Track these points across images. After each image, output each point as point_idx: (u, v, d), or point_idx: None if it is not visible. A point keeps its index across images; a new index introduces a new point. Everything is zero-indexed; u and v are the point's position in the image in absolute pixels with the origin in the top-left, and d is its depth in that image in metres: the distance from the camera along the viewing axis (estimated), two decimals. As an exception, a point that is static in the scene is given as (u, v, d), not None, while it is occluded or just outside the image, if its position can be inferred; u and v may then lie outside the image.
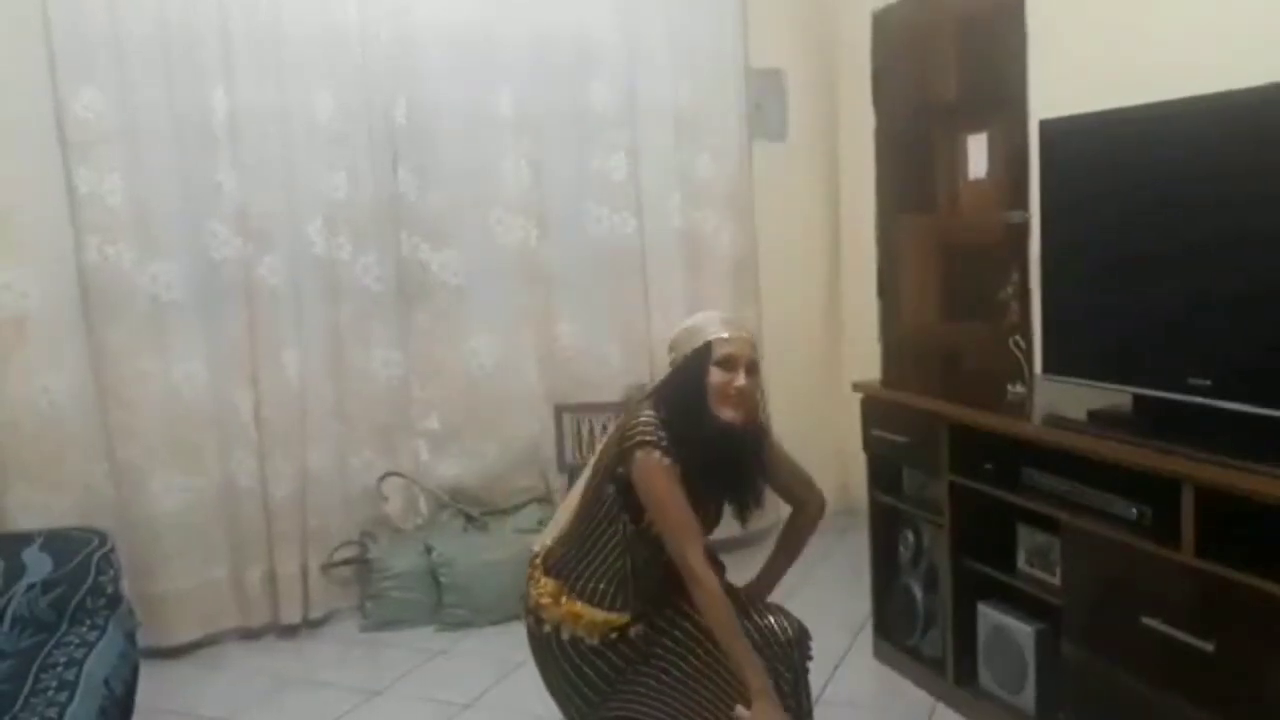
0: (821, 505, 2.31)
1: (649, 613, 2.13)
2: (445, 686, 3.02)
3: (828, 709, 2.79)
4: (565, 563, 2.14)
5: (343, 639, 3.42)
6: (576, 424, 3.77)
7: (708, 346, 2.04)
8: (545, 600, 2.15)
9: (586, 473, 2.16)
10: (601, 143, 3.76)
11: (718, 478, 2.10)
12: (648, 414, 2.03)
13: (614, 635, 2.11)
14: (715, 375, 2.03)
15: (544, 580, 2.17)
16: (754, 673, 1.97)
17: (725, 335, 2.05)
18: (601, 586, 2.09)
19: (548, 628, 2.15)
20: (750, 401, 2.06)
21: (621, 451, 2.02)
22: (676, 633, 2.13)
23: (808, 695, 2.22)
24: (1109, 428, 2.24)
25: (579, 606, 2.10)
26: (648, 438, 1.99)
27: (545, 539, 2.24)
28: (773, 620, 2.14)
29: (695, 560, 1.98)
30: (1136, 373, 2.30)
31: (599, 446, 2.17)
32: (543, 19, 3.64)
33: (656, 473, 1.99)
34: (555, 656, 2.16)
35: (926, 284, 3.75)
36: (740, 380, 2.03)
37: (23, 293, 3.07)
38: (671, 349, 2.13)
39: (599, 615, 2.09)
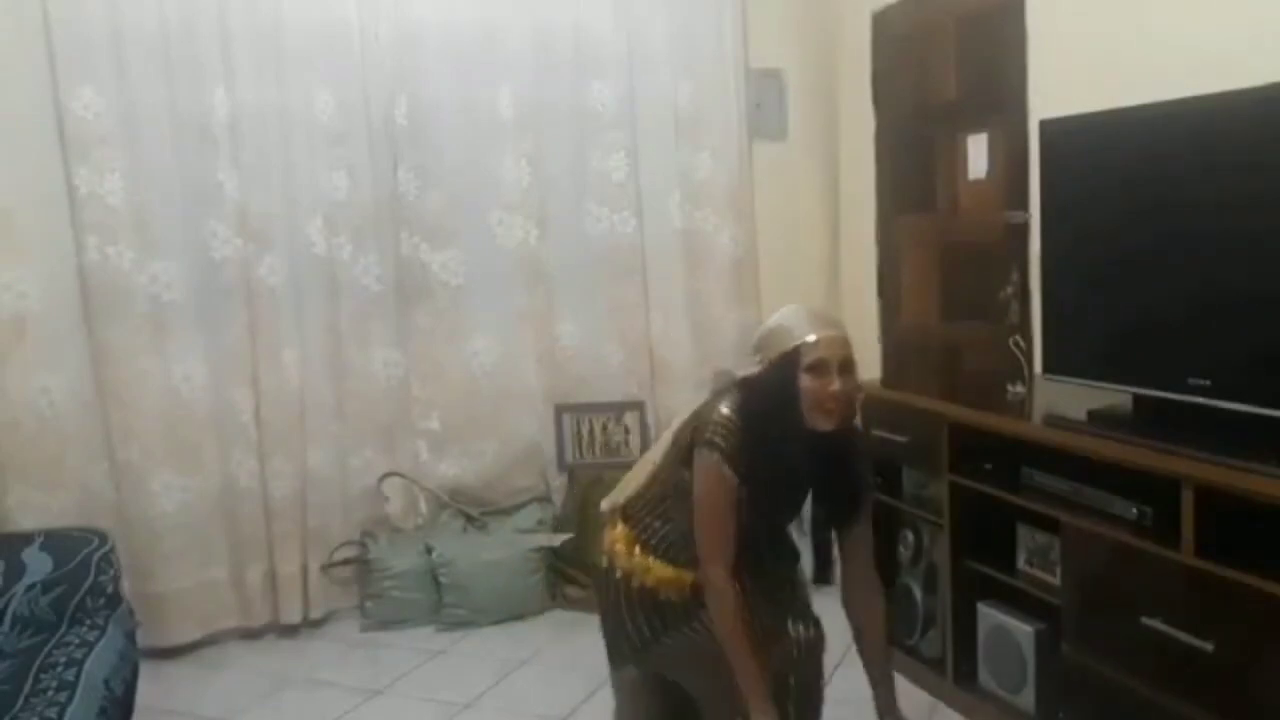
0: (878, 612, 2.13)
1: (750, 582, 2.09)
2: (445, 686, 3.02)
3: (827, 708, 2.79)
4: (640, 520, 2.13)
5: (343, 639, 3.42)
6: (576, 424, 3.77)
7: (796, 351, 1.92)
8: (620, 547, 2.14)
9: (666, 440, 2.12)
10: (601, 143, 3.76)
11: (801, 487, 2.06)
12: (726, 413, 1.96)
13: (679, 592, 2.08)
14: (807, 382, 1.91)
15: (620, 528, 2.16)
16: (754, 691, 1.94)
17: (813, 339, 1.92)
18: (671, 545, 2.07)
19: (619, 574, 2.13)
20: (848, 406, 1.95)
21: (693, 442, 1.99)
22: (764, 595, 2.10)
23: (812, 706, 2.19)
24: (1109, 427, 2.24)
25: (650, 561, 2.09)
26: (717, 440, 1.94)
27: (619, 496, 2.20)
28: (796, 630, 2.11)
29: (715, 574, 1.96)
30: (1136, 373, 2.29)
31: (676, 422, 2.12)
32: (543, 19, 3.64)
33: (713, 480, 1.95)
34: (620, 601, 2.14)
35: (926, 284, 3.75)
36: (835, 385, 1.91)
37: (23, 293, 3.07)
38: (757, 349, 2.02)
39: (669, 571, 2.07)
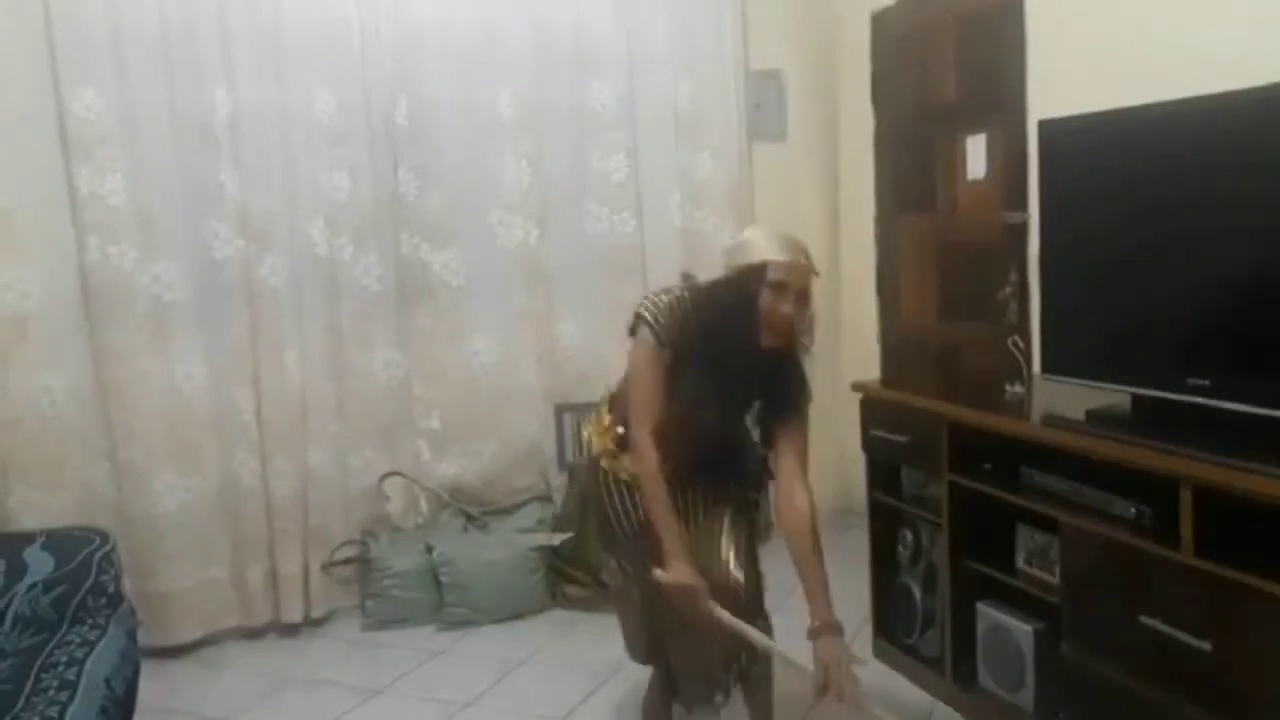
0: (794, 511, 2.19)
1: (689, 472, 2.24)
2: (446, 686, 3.02)
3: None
4: (617, 409, 2.30)
5: (344, 638, 3.42)
6: (576, 423, 3.76)
7: (764, 266, 2.07)
8: (597, 438, 2.32)
9: None
10: (601, 143, 3.76)
11: (731, 386, 2.16)
12: (663, 295, 2.17)
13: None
14: (765, 297, 2.06)
15: (606, 416, 2.33)
16: (670, 539, 2.12)
17: (782, 260, 2.08)
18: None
19: (603, 465, 2.30)
20: (791, 330, 2.10)
21: (634, 316, 2.17)
22: (706, 497, 2.29)
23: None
24: (1108, 427, 2.24)
25: (622, 454, 2.24)
26: (645, 315, 2.14)
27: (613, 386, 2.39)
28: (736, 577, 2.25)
29: (640, 437, 2.14)
30: (1135, 372, 2.30)
31: None
32: (543, 19, 3.64)
33: (639, 349, 2.15)
34: (609, 488, 2.31)
35: (926, 284, 3.76)
36: (787, 308, 2.07)
37: (24, 293, 3.08)
38: (726, 254, 2.18)
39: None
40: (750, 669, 2.35)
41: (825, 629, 2.08)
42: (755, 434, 2.32)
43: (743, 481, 2.39)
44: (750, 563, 2.32)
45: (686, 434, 2.16)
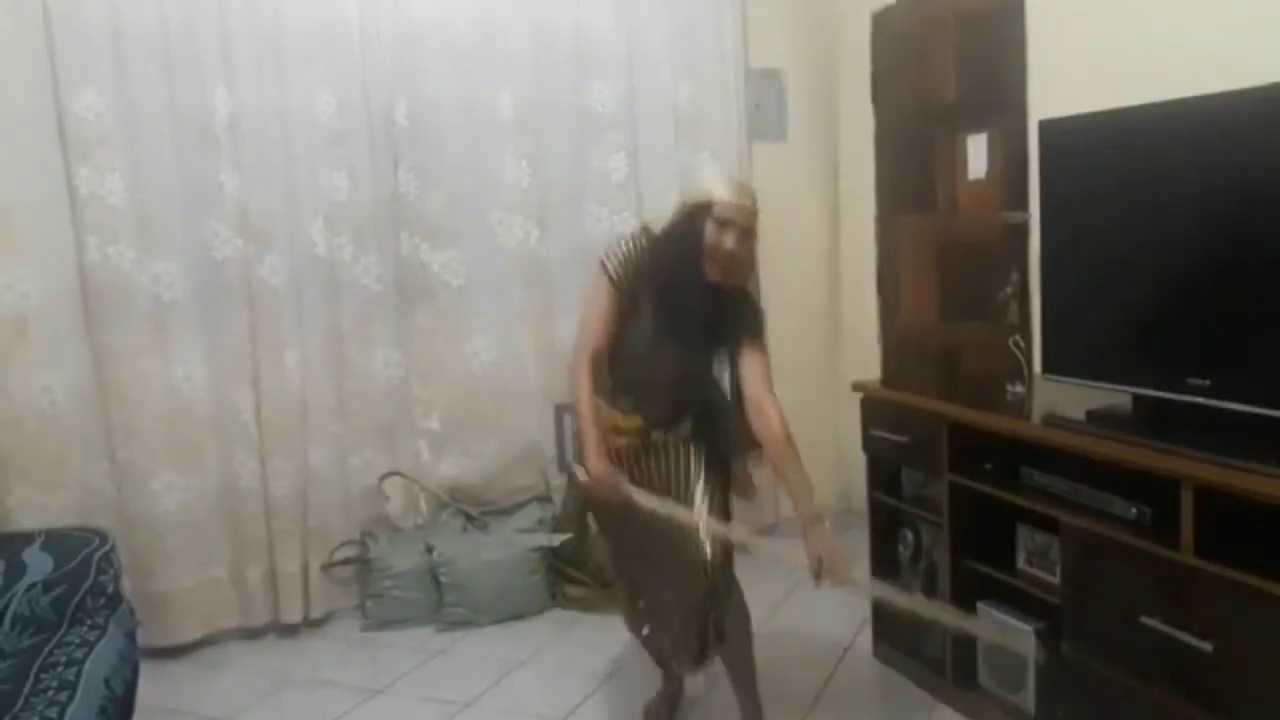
0: (765, 424, 2.26)
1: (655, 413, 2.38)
2: (445, 686, 3.02)
3: (828, 708, 2.80)
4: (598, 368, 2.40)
5: (343, 638, 3.42)
6: (576, 423, 3.77)
7: (710, 204, 2.20)
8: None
9: None
10: (601, 143, 3.76)
11: (686, 322, 2.27)
12: (624, 243, 2.31)
13: (631, 438, 2.36)
14: (709, 233, 2.19)
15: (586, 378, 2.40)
16: (589, 440, 2.28)
17: (726, 198, 2.22)
18: (609, 386, 2.36)
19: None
20: (734, 265, 2.22)
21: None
22: (676, 448, 2.41)
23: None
24: (1108, 427, 2.24)
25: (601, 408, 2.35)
26: (604, 261, 2.30)
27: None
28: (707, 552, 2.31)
29: (578, 360, 2.31)
30: (1136, 373, 2.30)
31: None
32: (543, 19, 3.64)
33: (595, 289, 2.31)
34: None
35: (926, 284, 3.76)
36: (730, 244, 2.19)
37: (23, 293, 3.07)
38: (680, 193, 2.35)
39: (617, 418, 2.36)
40: (722, 623, 2.39)
41: (811, 520, 2.18)
42: (726, 379, 2.45)
43: (712, 428, 2.45)
44: (722, 521, 2.40)
45: (648, 371, 2.33)
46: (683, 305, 2.24)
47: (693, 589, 2.34)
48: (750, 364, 2.30)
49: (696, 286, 2.22)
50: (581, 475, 2.30)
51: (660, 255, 2.27)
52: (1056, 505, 2.30)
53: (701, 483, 2.40)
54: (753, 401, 2.29)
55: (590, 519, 2.66)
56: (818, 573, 2.14)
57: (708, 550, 2.31)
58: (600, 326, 2.30)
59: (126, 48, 3.08)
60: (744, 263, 2.26)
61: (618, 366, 2.38)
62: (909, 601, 2.43)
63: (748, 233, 2.23)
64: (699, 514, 2.34)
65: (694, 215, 2.22)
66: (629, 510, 2.33)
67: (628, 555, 2.56)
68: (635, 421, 2.38)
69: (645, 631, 2.59)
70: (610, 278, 2.28)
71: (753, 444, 2.39)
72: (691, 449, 2.42)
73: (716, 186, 2.25)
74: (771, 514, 4.14)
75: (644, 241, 2.31)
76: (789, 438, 2.26)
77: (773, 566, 2.49)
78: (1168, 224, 2.22)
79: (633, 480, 2.36)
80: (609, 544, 2.62)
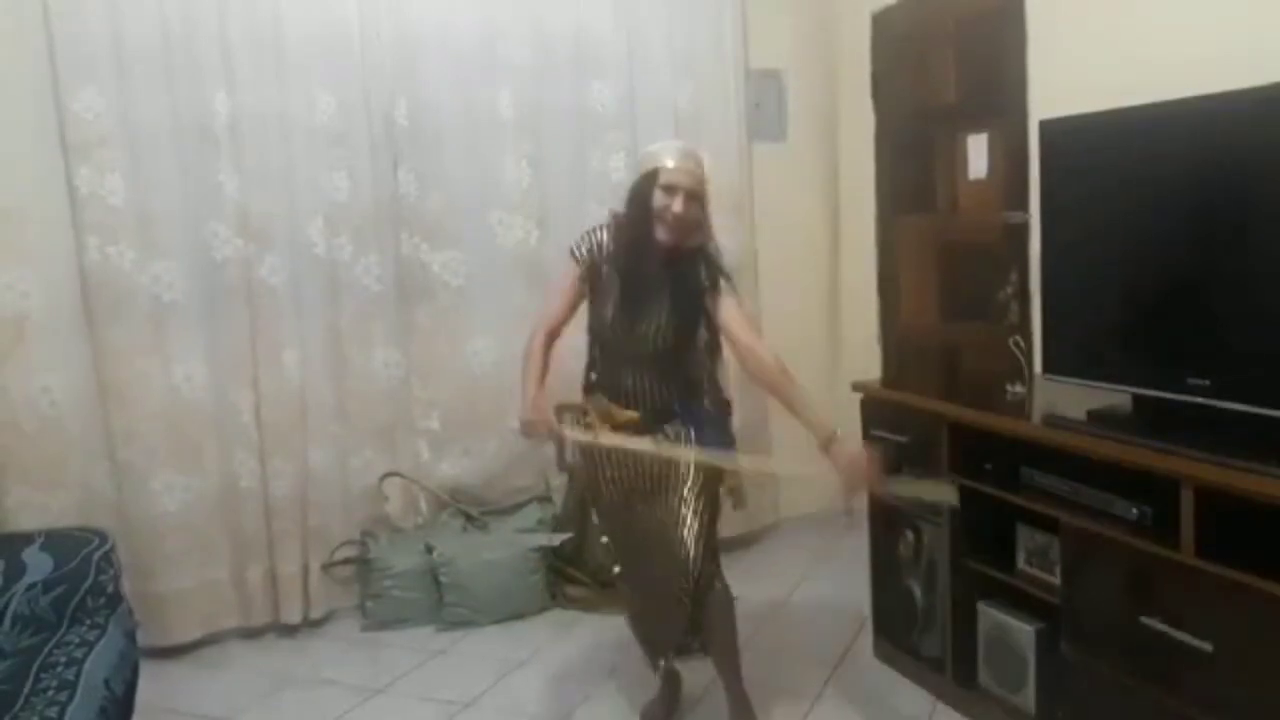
0: (760, 367, 2.35)
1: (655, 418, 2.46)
2: (445, 686, 3.02)
3: (828, 707, 2.80)
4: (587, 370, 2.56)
5: (343, 638, 3.42)
6: (576, 423, 3.76)
7: (655, 173, 2.32)
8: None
9: None
10: (602, 143, 3.76)
11: (649, 286, 2.36)
12: (594, 230, 2.44)
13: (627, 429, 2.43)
14: (657, 198, 2.30)
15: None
16: (525, 390, 2.47)
17: (671, 165, 2.32)
18: (595, 378, 2.51)
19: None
20: (683, 226, 2.31)
21: None
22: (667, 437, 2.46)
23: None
24: (1108, 427, 2.24)
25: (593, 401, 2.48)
26: (573, 245, 2.45)
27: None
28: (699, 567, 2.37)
29: (534, 330, 2.50)
30: (1136, 373, 2.30)
31: None
32: (543, 19, 3.64)
33: (562, 271, 2.48)
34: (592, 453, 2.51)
35: (926, 284, 3.76)
36: (677, 207, 2.28)
37: (23, 293, 3.07)
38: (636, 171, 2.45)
39: (611, 409, 2.46)
40: (700, 615, 2.42)
41: (830, 439, 2.22)
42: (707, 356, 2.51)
43: (699, 419, 2.48)
44: (706, 524, 2.43)
45: (626, 348, 2.41)
46: (644, 273, 2.34)
47: (675, 578, 2.38)
48: (727, 314, 2.37)
49: (653, 252, 2.33)
50: (517, 422, 2.40)
51: (620, 230, 2.39)
52: (1056, 505, 2.30)
53: (692, 479, 2.42)
54: (741, 346, 2.36)
55: (591, 510, 2.71)
56: (850, 486, 2.29)
57: (690, 542, 2.37)
58: (560, 303, 2.46)
59: (127, 48, 3.08)
60: (693, 223, 2.33)
61: (600, 353, 2.50)
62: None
63: (694, 195, 2.31)
64: (684, 453, 2.41)
65: (643, 186, 2.33)
66: (619, 494, 2.48)
67: (619, 542, 2.60)
68: (633, 415, 2.44)
69: (632, 617, 2.63)
70: (575, 258, 2.43)
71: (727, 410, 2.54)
72: (683, 443, 2.45)
73: (661, 155, 2.36)
74: (771, 514, 4.15)
75: (609, 222, 2.43)
76: (784, 369, 2.33)
77: (799, 483, 2.53)
78: (1167, 224, 2.22)
79: (625, 474, 2.47)
80: (607, 530, 2.65)
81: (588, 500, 2.70)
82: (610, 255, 2.40)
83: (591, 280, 2.42)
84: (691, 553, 2.36)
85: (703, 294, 2.37)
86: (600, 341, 2.49)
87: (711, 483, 2.46)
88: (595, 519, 2.66)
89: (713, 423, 2.50)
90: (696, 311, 2.40)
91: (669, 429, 2.46)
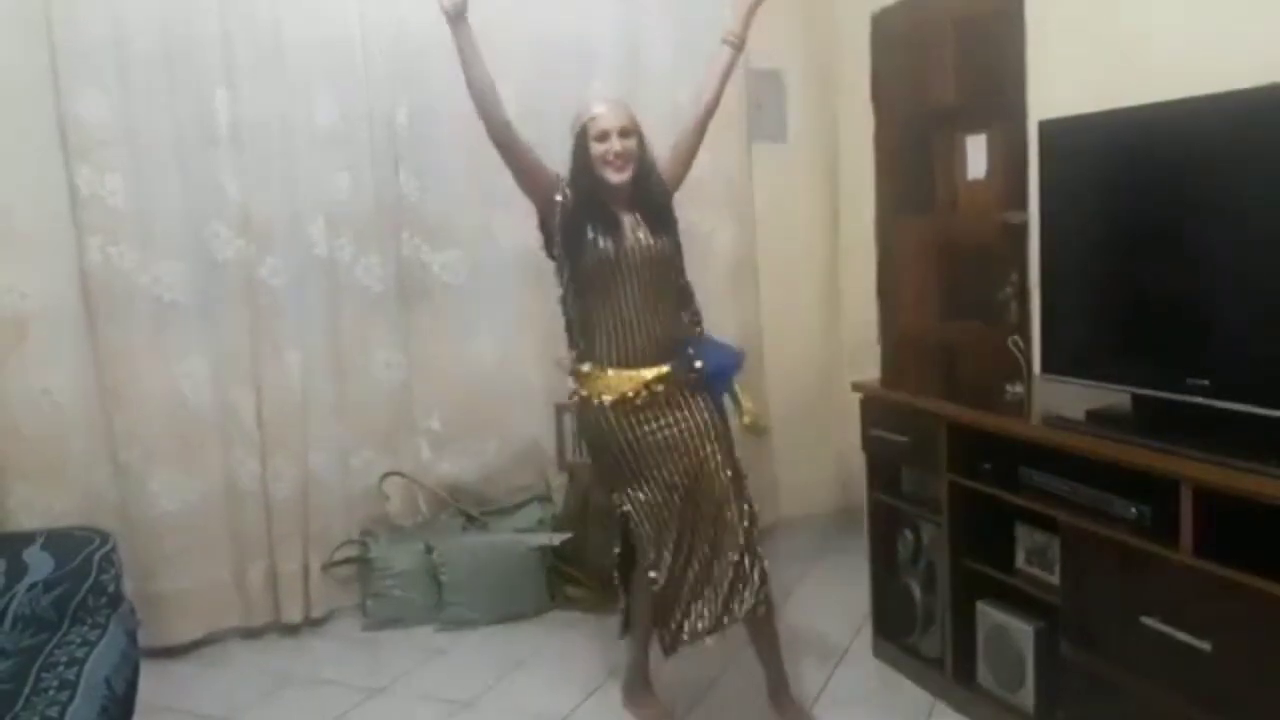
0: (698, 113, 2.66)
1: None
2: (446, 685, 3.02)
3: (828, 707, 2.80)
4: (575, 341, 2.55)
5: (344, 638, 3.43)
6: (576, 423, 3.77)
7: (585, 127, 2.43)
8: (579, 372, 2.51)
9: None
10: (602, 143, 3.75)
11: (619, 218, 2.47)
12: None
13: (640, 391, 2.46)
14: (595, 149, 2.42)
15: (573, 363, 2.54)
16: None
17: (595, 113, 2.44)
18: (596, 346, 2.48)
19: (594, 399, 2.48)
20: (625, 160, 2.43)
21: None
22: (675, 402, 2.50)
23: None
24: (1108, 427, 2.24)
25: (597, 370, 2.47)
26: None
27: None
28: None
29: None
30: (1135, 372, 2.30)
31: None
32: (543, 19, 3.64)
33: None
34: (598, 420, 2.49)
35: (926, 284, 3.76)
36: (616, 145, 2.41)
37: (24, 293, 3.08)
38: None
39: (612, 374, 2.46)
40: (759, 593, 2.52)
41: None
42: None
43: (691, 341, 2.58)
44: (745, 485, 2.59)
45: (621, 304, 2.45)
46: (610, 210, 2.45)
47: (727, 549, 2.49)
48: (668, 154, 2.62)
49: (611, 194, 2.45)
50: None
51: (575, 189, 2.47)
52: (1056, 505, 2.30)
53: (715, 431, 2.52)
54: (686, 130, 2.66)
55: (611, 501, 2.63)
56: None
57: (737, 508, 2.50)
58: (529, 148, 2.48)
59: (128, 50, 3.09)
60: (634, 155, 2.45)
61: (598, 315, 2.48)
62: None
63: (626, 131, 2.43)
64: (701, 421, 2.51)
65: (580, 142, 2.45)
66: (661, 487, 2.47)
67: (657, 527, 2.51)
68: (662, 370, 2.47)
69: (656, 582, 2.52)
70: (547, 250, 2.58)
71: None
72: (695, 398, 2.53)
73: (586, 108, 2.48)
74: (771, 514, 4.15)
75: (565, 189, 2.49)
76: (699, 105, 2.66)
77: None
78: (1167, 224, 2.22)
79: (657, 434, 2.47)
80: (646, 516, 2.53)
81: (601, 496, 2.70)
82: (574, 210, 2.46)
83: (564, 224, 2.47)
84: (741, 519, 2.51)
85: (667, 202, 2.55)
86: (596, 289, 2.47)
87: (730, 441, 2.57)
88: (621, 508, 2.53)
89: (714, 354, 2.58)
90: (669, 218, 2.55)
91: (687, 392, 2.51)
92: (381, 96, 3.47)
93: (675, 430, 2.48)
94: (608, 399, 2.45)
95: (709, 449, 2.50)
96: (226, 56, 3.21)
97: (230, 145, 3.24)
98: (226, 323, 3.30)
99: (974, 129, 3.44)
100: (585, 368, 2.50)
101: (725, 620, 2.51)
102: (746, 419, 2.62)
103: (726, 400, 2.62)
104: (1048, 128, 2.54)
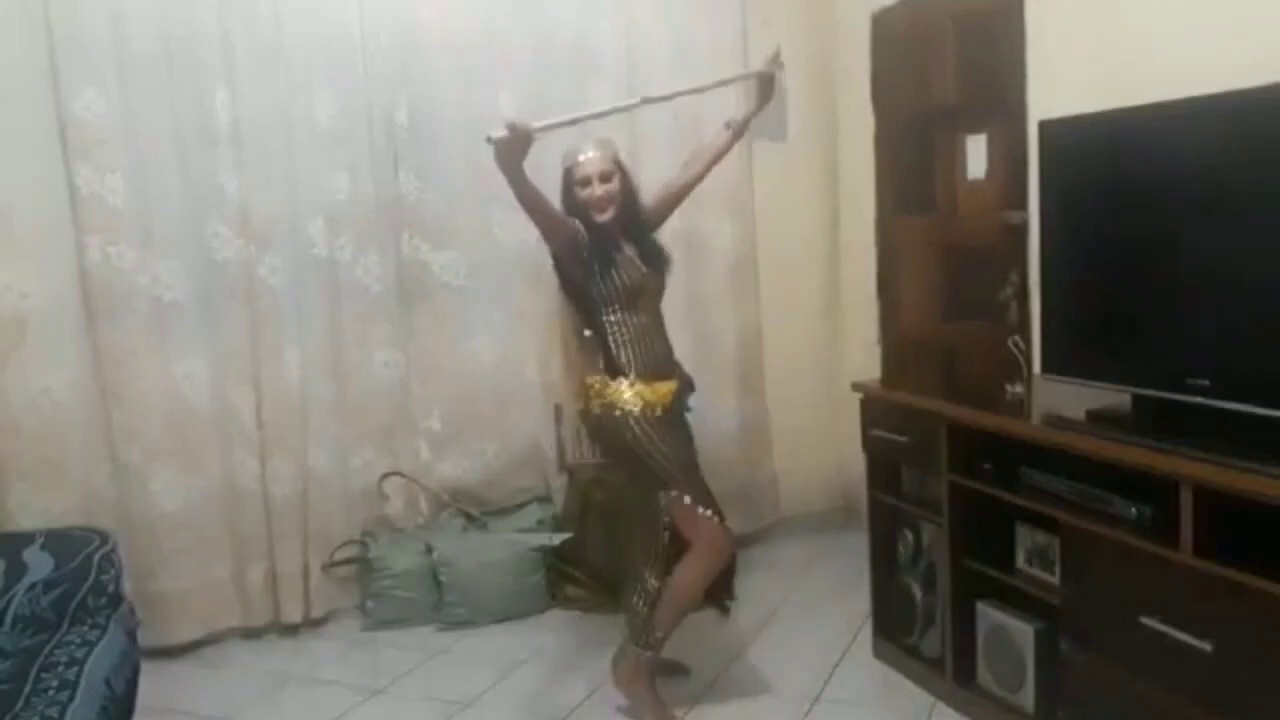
0: (697, 165, 2.96)
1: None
2: (446, 685, 3.02)
3: (828, 707, 2.80)
4: (600, 360, 2.73)
5: (344, 638, 3.43)
6: (577, 424, 3.77)
7: (570, 171, 2.67)
8: (597, 388, 2.70)
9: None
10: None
11: (615, 255, 2.67)
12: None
13: (663, 406, 2.67)
14: (579, 193, 2.66)
15: (596, 382, 2.71)
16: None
17: (579, 159, 2.66)
18: (641, 358, 2.67)
19: (617, 413, 2.65)
20: (608, 202, 2.65)
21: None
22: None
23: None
24: (1108, 427, 2.24)
25: (623, 386, 2.65)
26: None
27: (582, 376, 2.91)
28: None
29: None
30: (1135, 372, 2.30)
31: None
32: (543, 19, 3.64)
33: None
34: (626, 431, 2.65)
35: (926, 284, 3.76)
36: (598, 190, 2.64)
37: (24, 293, 3.07)
38: None
39: (638, 387, 2.65)
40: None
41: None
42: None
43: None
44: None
45: (640, 296, 2.69)
46: (610, 245, 2.66)
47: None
48: (662, 191, 2.91)
49: (605, 232, 2.65)
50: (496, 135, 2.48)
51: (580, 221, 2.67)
52: (1056, 505, 2.30)
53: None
54: (684, 178, 2.94)
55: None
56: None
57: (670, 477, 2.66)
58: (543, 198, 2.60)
59: (128, 48, 3.09)
60: (615, 195, 2.66)
61: (624, 330, 2.68)
62: None
63: (606, 175, 2.65)
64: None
65: (567, 186, 2.69)
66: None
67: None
68: (672, 385, 2.71)
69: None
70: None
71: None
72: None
73: (570, 154, 2.69)
74: (772, 514, 4.15)
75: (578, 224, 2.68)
76: (691, 164, 2.95)
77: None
78: (1167, 224, 2.22)
79: (686, 441, 2.78)
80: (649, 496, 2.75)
81: (638, 498, 2.83)
82: (592, 242, 2.66)
83: (594, 252, 2.65)
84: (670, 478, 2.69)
85: (651, 236, 2.79)
86: (624, 307, 2.67)
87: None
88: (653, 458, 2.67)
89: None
90: (656, 250, 2.78)
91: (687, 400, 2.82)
92: (381, 96, 3.47)
93: (685, 432, 2.80)
94: (634, 409, 2.63)
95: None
96: (226, 56, 3.21)
97: (230, 144, 3.24)
98: (226, 322, 3.30)
99: (974, 129, 3.44)
100: (622, 382, 2.66)
101: None
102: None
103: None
104: (1048, 128, 2.54)
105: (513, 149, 2.41)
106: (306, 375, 3.41)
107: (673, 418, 2.72)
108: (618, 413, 2.64)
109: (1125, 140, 2.31)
